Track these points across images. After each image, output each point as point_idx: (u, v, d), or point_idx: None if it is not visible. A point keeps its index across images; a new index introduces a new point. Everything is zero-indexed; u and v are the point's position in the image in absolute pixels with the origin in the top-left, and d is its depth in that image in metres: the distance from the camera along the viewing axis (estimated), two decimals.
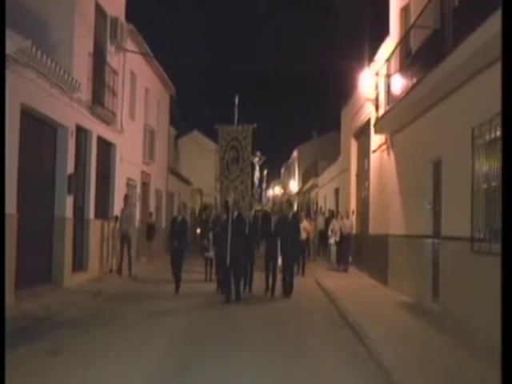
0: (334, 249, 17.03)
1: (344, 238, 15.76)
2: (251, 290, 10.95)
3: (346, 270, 15.19)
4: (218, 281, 11.01)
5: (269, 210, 12.97)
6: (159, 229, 19.54)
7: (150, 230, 17.17)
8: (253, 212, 11.54)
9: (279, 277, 10.86)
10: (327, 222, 18.54)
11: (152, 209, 19.74)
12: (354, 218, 16.76)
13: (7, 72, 7.94)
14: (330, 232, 16.81)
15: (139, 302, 9.78)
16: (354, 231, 16.26)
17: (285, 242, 10.56)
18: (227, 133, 10.71)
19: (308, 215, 21.81)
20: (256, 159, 24.22)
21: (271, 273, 10.77)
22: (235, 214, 9.94)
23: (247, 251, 10.48)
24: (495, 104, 4.93)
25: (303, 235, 14.07)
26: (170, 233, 11.41)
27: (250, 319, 8.48)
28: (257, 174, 24.60)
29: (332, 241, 16.71)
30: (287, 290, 10.62)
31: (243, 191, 10.42)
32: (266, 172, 24.93)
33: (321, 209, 24.87)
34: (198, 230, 13.24)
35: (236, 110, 10.69)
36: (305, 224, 15.11)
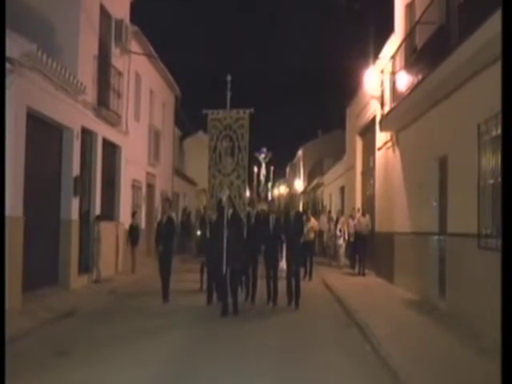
0: (342, 250, 16.09)
1: (360, 239, 14.34)
2: (254, 300, 9.73)
3: (363, 274, 13.87)
4: (208, 291, 9.60)
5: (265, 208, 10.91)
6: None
7: (132, 234, 14.43)
8: (254, 211, 10.07)
9: (283, 283, 9.52)
10: (336, 221, 17.50)
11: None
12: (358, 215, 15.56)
13: (13, 75, 8.01)
14: (338, 232, 15.98)
15: (117, 321, 8.09)
16: (368, 230, 14.44)
17: (287, 244, 9.52)
18: (218, 120, 9.06)
19: (315, 213, 21.31)
20: (262, 155, 23.62)
21: (272, 280, 9.49)
22: (230, 213, 8.70)
23: (247, 255, 9.27)
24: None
25: (310, 235, 13.35)
26: (155, 236, 10.15)
27: (249, 336, 7.13)
28: (263, 171, 24.12)
29: (341, 241, 15.84)
30: (292, 298, 9.37)
31: (240, 187, 8.86)
32: (272, 169, 24.64)
33: (325, 207, 24.64)
34: (199, 232, 11.37)
35: (228, 92, 9.02)
36: (313, 223, 14.22)
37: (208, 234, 9.21)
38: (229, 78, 8.99)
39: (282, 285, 9.60)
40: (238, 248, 8.59)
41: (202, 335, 7.16)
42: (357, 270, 14.35)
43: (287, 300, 9.41)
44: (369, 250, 14.39)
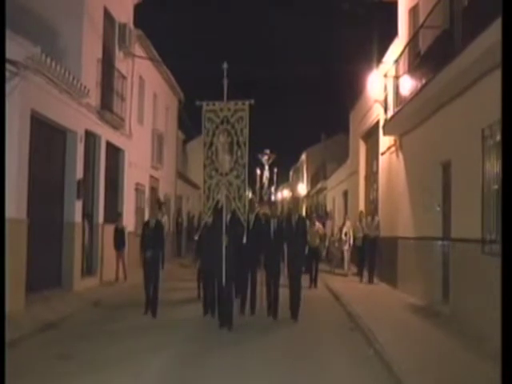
0: (348, 256, 15.39)
1: (369, 243, 13.53)
2: (254, 312, 8.87)
3: (371, 281, 13.15)
4: (204, 301, 8.83)
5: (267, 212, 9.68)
6: (166, 235, 19.48)
7: (118, 237, 12.85)
8: (253, 215, 9.09)
9: (285, 292, 8.75)
10: (341, 225, 16.64)
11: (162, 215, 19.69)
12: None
13: (18, 78, 8.03)
14: (343, 236, 15.36)
15: (94, 341, 6.88)
16: (376, 234, 13.56)
17: (288, 250, 8.60)
18: (214, 112, 8.01)
19: (319, 217, 20.76)
20: (265, 157, 23.03)
21: (273, 289, 8.71)
22: (228, 216, 7.88)
23: (247, 264, 8.56)
24: None
25: (316, 241, 12.79)
26: (141, 240, 9.00)
27: (244, 355, 6.24)
28: (266, 173, 23.68)
29: (347, 246, 15.20)
30: (292, 309, 8.63)
31: (240, 187, 7.86)
32: (276, 171, 23.98)
33: (330, 212, 24.44)
34: (196, 237, 10.35)
35: (225, 80, 7.99)
36: (318, 227, 13.52)
37: (205, 239, 8.25)
38: (225, 65, 8.06)
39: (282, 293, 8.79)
40: (236, 255, 7.78)
41: (197, 352, 6.41)
42: (365, 278, 13.46)
43: (290, 310, 8.62)
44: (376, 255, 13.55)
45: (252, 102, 7.89)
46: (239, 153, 7.89)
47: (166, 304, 9.26)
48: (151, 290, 8.71)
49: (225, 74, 8.02)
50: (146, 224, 9.04)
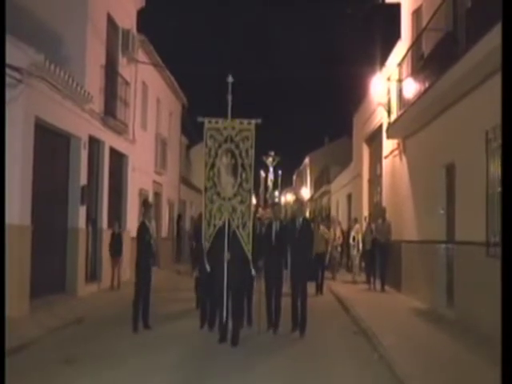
0: (356, 261, 14.88)
1: (379, 247, 12.68)
2: (251, 324, 8.05)
3: (382, 289, 12.42)
4: (201, 313, 8.05)
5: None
6: (168, 240, 19.51)
7: (114, 243, 12.22)
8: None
9: (286, 302, 7.88)
10: (348, 229, 16.29)
11: (165, 219, 19.75)
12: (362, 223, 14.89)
13: (22, 85, 8.07)
14: (351, 241, 14.85)
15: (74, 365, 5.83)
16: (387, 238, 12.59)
17: (292, 256, 7.76)
18: (217, 130, 7.42)
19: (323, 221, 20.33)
20: (269, 159, 22.80)
21: (274, 300, 7.83)
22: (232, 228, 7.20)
23: (247, 275, 7.67)
24: None
25: (321, 247, 12.24)
26: (138, 243, 8.00)
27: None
28: (270, 176, 23.41)
29: (355, 252, 14.71)
30: (297, 323, 7.73)
31: (244, 214, 7.18)
32: (280, 172, 23.41)
33: (334, 216, 24.22)
34: (194, 242, 9.53)
35: (229, 96, 7.42)
36: (323, 230, 13.09)
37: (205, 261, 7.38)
38: (230, 79, 7.46)
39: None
40: (241, 266, 7.13)
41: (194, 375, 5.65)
42: (374, 285, 12.80)
43: (292, 324, 7.77)
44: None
45: (259, 121, 7.34)
46: (244, 175, 7.27)
47: (161, 317, 8.49)
48: (143, 301, 7.82)
49: (229, 89, 7.44)
50: (145, 228, 7.96)
